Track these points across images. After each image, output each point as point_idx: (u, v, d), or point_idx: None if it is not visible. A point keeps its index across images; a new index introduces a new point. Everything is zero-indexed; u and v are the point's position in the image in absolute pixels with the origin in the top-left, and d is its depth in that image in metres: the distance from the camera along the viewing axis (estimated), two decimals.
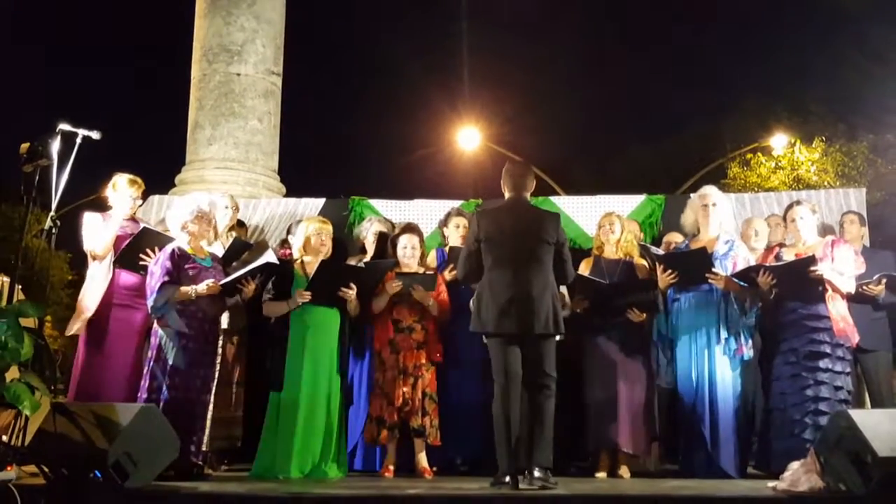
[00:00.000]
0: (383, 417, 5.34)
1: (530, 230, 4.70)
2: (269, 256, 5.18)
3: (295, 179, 9.36)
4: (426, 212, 6.85)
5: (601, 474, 5.29)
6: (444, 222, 6.31)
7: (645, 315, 5.44)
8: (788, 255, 5.46)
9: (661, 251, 5.73)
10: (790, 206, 5.63)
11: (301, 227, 5.56)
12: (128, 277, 5.43)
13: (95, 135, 5.04)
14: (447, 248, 6.10)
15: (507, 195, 4.90)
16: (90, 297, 5.37)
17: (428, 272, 5.67)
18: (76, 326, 5.38)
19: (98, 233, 5.43)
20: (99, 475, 3.83)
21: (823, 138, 17.83)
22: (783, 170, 18.01)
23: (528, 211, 4.85)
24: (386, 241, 5.95)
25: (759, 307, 5.42)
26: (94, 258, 5.45)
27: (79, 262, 5.64)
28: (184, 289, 4.96)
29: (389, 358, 5.44)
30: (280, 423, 5.14)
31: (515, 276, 4.62)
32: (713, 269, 5.32)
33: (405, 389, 5.35)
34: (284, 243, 6.34)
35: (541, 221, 4.76)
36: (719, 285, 5.33)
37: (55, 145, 4.82)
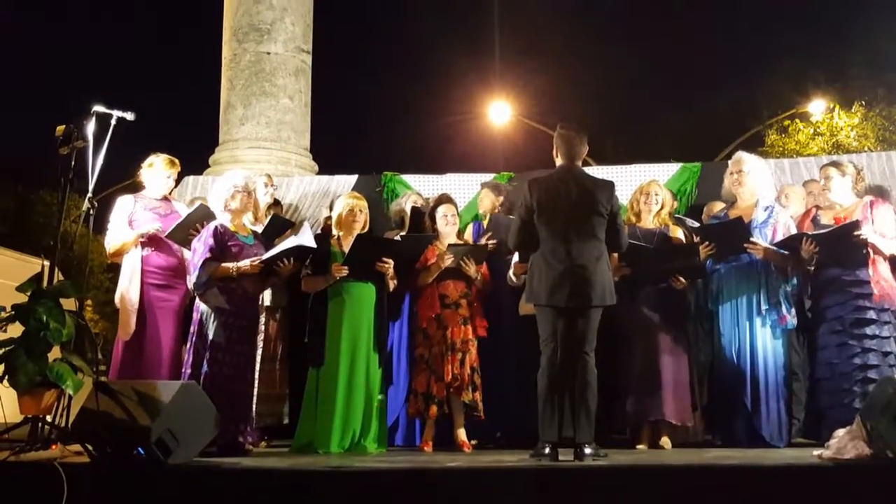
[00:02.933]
0: (431, 393, 5.33)
1: (584, 200, 4.61)
2: (306, 237, 5.17)
3: (327, 156, 9.38)
4: (458, 185, 6.83)
5: (642, 446, 5.25)
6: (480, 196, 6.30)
7: (687, 282, 5.37)
8: (826, 217, 5.39)
9: (696, 223, 5.64)
10: (822, 168, 5.56)
11: (336, 203, 5.57)
12: (164, 258, 5.46)
13: (130, 116, 5.06)
14: (487, 216, 6.05)
15: (559, 162, 4.79)
16: (133, 292, 5.38)
17: (479, 244, 5.65)
18: (131, 322, 5.38)
19: (115, 233, 5.44)
20: (142, 452, 3.87)
21: (863, 102, 17.47)
22: (822, 136, 17.70)
23: (582, 180, 4.72)
24: (420, 216, 5.94)
25: (801, 274, 5.33)
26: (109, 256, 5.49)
27: None
28: (225, 265, 4.97)
29: (436, 333, 5.42)
30: (319, 398, 5.17)
31: (571, 247, 4.54)
32: (751, 239, 5.22)
33: (454, 365, 5.34)
34: (328, 220, 6.35)
35: (595, 191, 4.66)
36: (758, 255, 5.24)
37: (90, 127, 4.85)
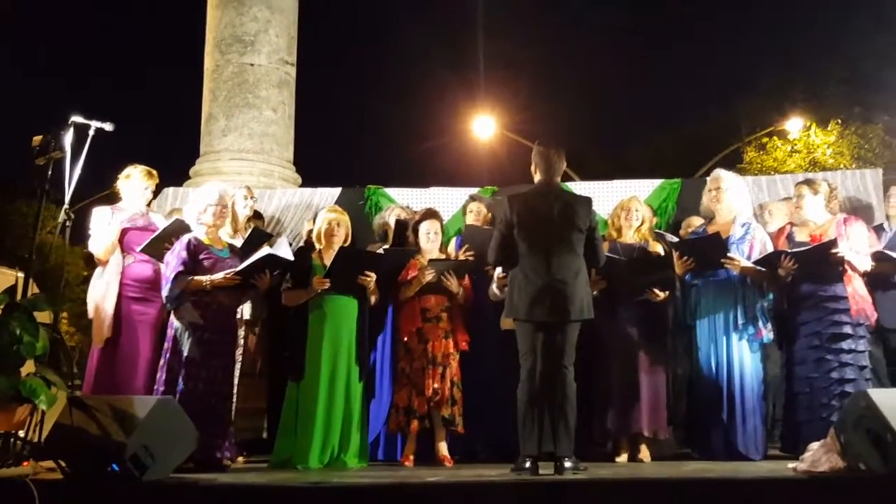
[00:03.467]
0: (413, 407, 5.32)
1: (564, 216, 4.66)
2: (281, 249, 5.15)
3: (310, 169, 9.35)
4: (442, 199, 6.82)
5: (621, 458, 5.27)
6: (464, 210, 6.30)
7: (664, 295, 5.40)
8: (800, 234, 5.47)
9: (675, 238, 5.70)
10: (795, 187, 5.66)
11: (317, 217, 5.55)
12: (142, 270, 5.43)
13: (108, 126, 5.03)
14: (463, 230, 6.06)
15: (537, 178, 4.84)
16: (109, 300, 5.35)
17: (461, 258, 5.65)
18: (105, 328, 5.33)
19: (99, 234, 5.40)
20: (117, 469, 3.83)
21: (839, 121, 17.70)
22: (799, 153, 17.92)
23: (561, 196, 4.80)
24: (403, 229, 5.93)
25: (777, 289, 5.39)
26: (97, 262, 5.44)
27: (94, 259, 5.63)
28: (198, 278, 4.93)
29: (417, 347, 5.41)
30: (299, 413, 5.14)
31: (550, 262, 4.59)
32: (729, 255, 5.28)
33: (435, 379, 5.34)
34: (311, 233, 6.34)
35: (574, 207, 4.71)
36: (735, 270, 5.30)
37: (68, 137, 4.81)
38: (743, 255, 5.32)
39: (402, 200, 6.79)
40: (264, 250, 5.06)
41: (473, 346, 5.57)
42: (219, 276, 4.95)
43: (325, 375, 5.15)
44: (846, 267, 5.24)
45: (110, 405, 4.02)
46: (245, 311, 5.61)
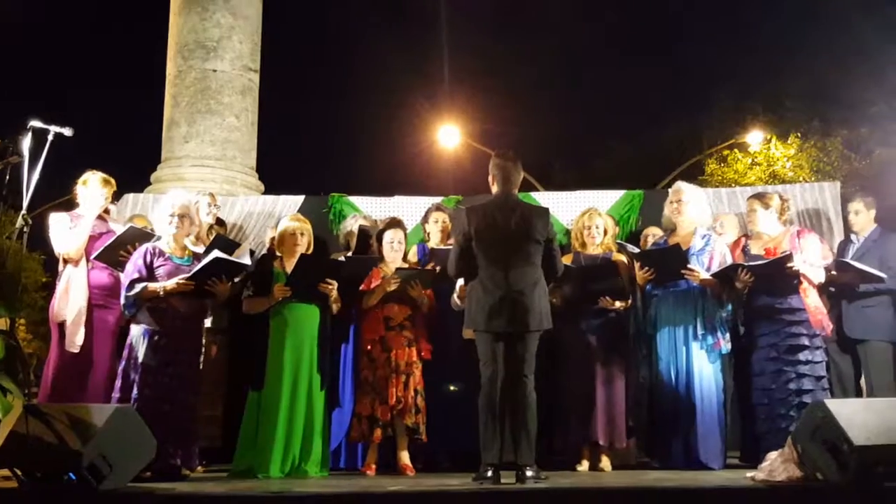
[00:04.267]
0: (376, 416, 5.30)
1: (520, 227, 4.69)
2: (244, 257, 5.12)
3: (273, 177, 9.30)
4: (406, 208, 6.82)
5: (582, 468, 5.30)
6: (424, 218, 6.30)
7: (619, 304, 5.45)
8: (755, 247, 5.56)
9: (636, 249, 5.76)
10: (747, 201, 5.75)
11: (279, 225, 5.52)
12: (100, 277, 5.37)
13: (68, 131, 4.97)
14: (429, 248, 6.08)
15: (495, 189, 4.86)
16: (74, 301, 5.27)
17: (427, 269, 5.65)
18: (78, 335, 5.25)
19: (69, 234, 5.34)
20: (73, 477, 3.77)
21: (798, 134, 17.99)
22: (759, 166, 18.16)
23: (517, 207, 4.80)
24: (366, 238, 5.92)
25: (735, 301, 5.47)
26: (67, 261, 5.36)
27: (52, 265, 5.55)
28: (153, 286, 4.91)
29: (380, 356, 5.40)
30: (260, 421, 5.10)
31: (507, 273, 4.61)
32: (689, 266, 5.34)
33: (398, 387, 5.32)
34: (273, 241, 6.29)
35: (531, 218, 4.74)
36: (695, 281, 5.37)
37: (26, 142, 4.74)
38: (703, 267, 5.39)
39: (366, 209, 6.79)
40: (213, 254, 5.02)
41: (437, 356, 5.57)
42: (171, 282, 4.92)
43: (287, 384, 5.12)
44: (802, 279, 5.33)
45: (67, 413, 3.96)
46: (208, 319, 5.56)
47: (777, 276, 5.29)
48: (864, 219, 6.16)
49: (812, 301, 5.35)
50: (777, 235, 5.55)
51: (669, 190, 5.94)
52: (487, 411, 4.56)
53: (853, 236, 6.19)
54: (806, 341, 5.28)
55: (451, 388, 4.97)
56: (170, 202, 5.17)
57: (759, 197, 5.68)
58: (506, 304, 4.58)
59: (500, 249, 4.66)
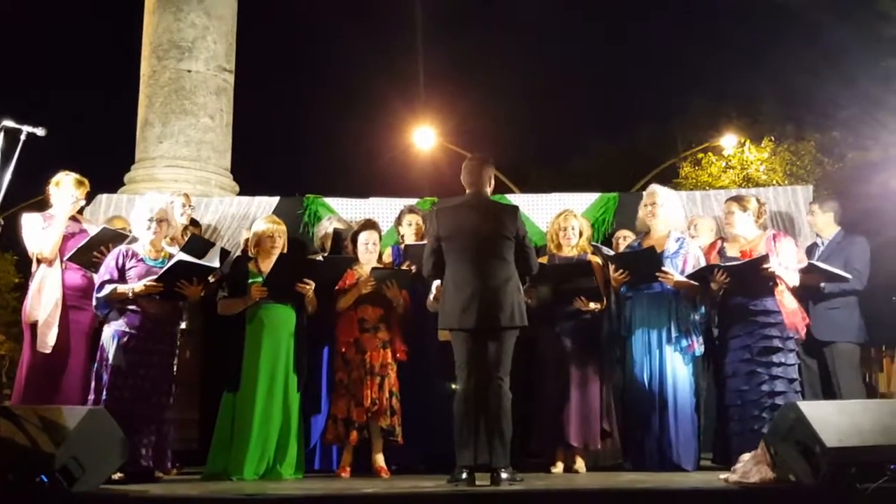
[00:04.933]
0: (351, 418, 5.28)
1: (489, 224, 4.72)
2: (213, 259, 5.09)
3: (248, 178, 9.25)
4: (381, 210, 6.82)
5: (557, 469, 5.32)
6: (398, 220, 6.30)
7: (594, 306, 5.47)
8: (731, 250, 5.58)
9: (611, 251, 5.79)
10: (725, 203, 5.78)
11: (254, 226, 5.50)
12: (74, 278, 5.33)
13: (41, 131, 4.90)
14: (403, 246, 6.08)
15: (467, 191, 4.90)
16: (47, 301, 5.22)
17: (402, 269, 5.64)
18: (50, 335, 5.20)
19: (43, 234, 5.29)
20: (45, 480, 3.73)
21: (772, 138, 18.17)
22: (733, 169, 18.33)
23: (486, 206, 4.85)
24: (341, 240, 5.91)
25: (708, 303, 5.51)
26: (40, 261, 5.31)
27: (25, 265, 5.50)
28: (122, 288, 4.90)
29: (355, 358, 5.38)
30: (235, 423, 5.07)
31: (477, 271, 4.63)
32: (663, 269, 5.38)
33: (373, 389, 5.31)
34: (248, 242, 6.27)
35: (499, 216, 4.78)
36: (669, 284, 5.40)
37: None
38: (677, 270, 5.43)
39: (341, 210, 6.78)
40: (177, 257, 5.00)
41: (413, 357, 5.57)
42: (139, 284, 4.90)
43: (263, 385, 5.10)
44: (777, 281, 5.37)
45: (39, 415, 3.92)
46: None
47: (752, 277, 5.32)
48: (821, 221, 6.23)
49: (788, 303, 5.37)
50: (753, 239, 5.59)
51: (644, 193, 5.98)
52: (462, 413, 4.56)
53: (818, 240, 6.27)
54: (779, 343, 5.31)
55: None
56: (148, 206, 5.15)
57: (737, 200, 5.71)
58: (476, 300, 4.59)
59: (470, 248, 4.69)
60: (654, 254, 5.44)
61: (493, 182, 4.96)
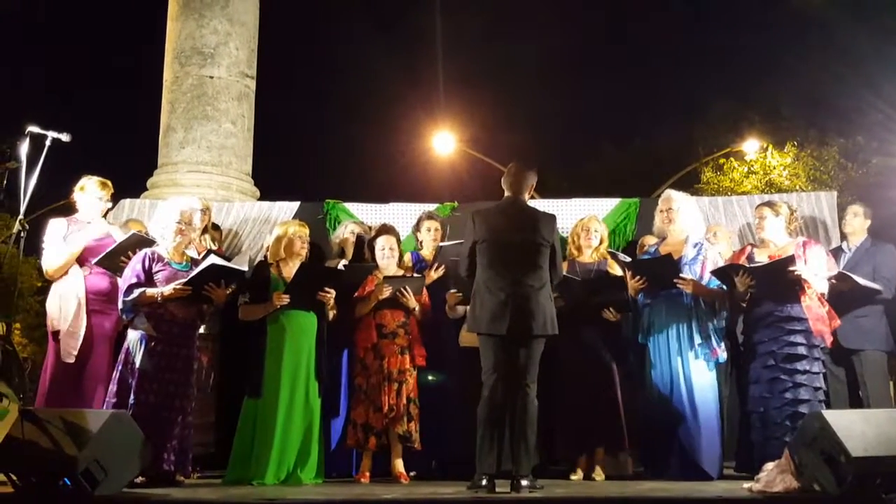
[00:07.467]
0: (370, 424, 5.29)
1: (527, 231, 4.71)
2: (241, 264, 5.12)
3: (269, 183, 9.29)
4: (401, 215, 6.81)
5: (576, 476, 5.29)
6: (416, 227, 6.29)
7: (620, 315, 5.44)
8: (760, 254, 5.50)
9: (628, 258, 5.75)
10: (756, 208, 5.71)
11: (276, 230, 5.52)
12: (99, 282, 5.36)
13: (66, 137, 4.97)
14: (436, 246, 6.06)
15: (506, 194, 4.90)
16: (67, 310, 5.25)
17: (416, 275, 5.64)
18: (73, 344, 5.22)
19: (58, 248, 5.32)
20: (68, 483, 3.76)
21: (795, 143, 18.01)
22: (755, 174, 18.16)
23: (523, 212, 4.84)
24: (362, 245, 5.92)
25: (728, 308, 5.45)
26: (47, 276, 5.35)
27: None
28: (150, 291, 4.91)
29: (374, 363, 5.39)
30: (257, 428, 5.09)
31: (512, 277, 4.62)
32: (681, 275, 5.33)
33: (391, 395, 5.31)
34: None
35: (536, 222, 4.76)
36: (687, 290, 5.35)
37: (24, 148, 4.74)
38: (695, 276, 5.37)
39: (361, 215, 6.78)
40: (209, 259, 5.03)
41: (432, 363, 5.56)
42: (168, 287, 4.92)
43: (285, 391, 5.12)
44: (804, 285, 5.27)
45: (63, 418, 3.96)
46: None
47: (778, 280, 5.23)
48: (859, 224, 6.17)
49: (814, 310, 5.27)
50: (784, 245, 5.50)
51: (660, 199, 5.93)
52: (487, 420, 4.53)
53: (844, 245, 6.19)
54: (804, 350, 5.22)
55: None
56: (176, 209, 5.19)
57: (769, 204, 5.63)
58: (509, 306, 4.57)
59: (506, 252, 4.68)
60: (671, 260, 5.39)
61: (531, 188, 4.94)
